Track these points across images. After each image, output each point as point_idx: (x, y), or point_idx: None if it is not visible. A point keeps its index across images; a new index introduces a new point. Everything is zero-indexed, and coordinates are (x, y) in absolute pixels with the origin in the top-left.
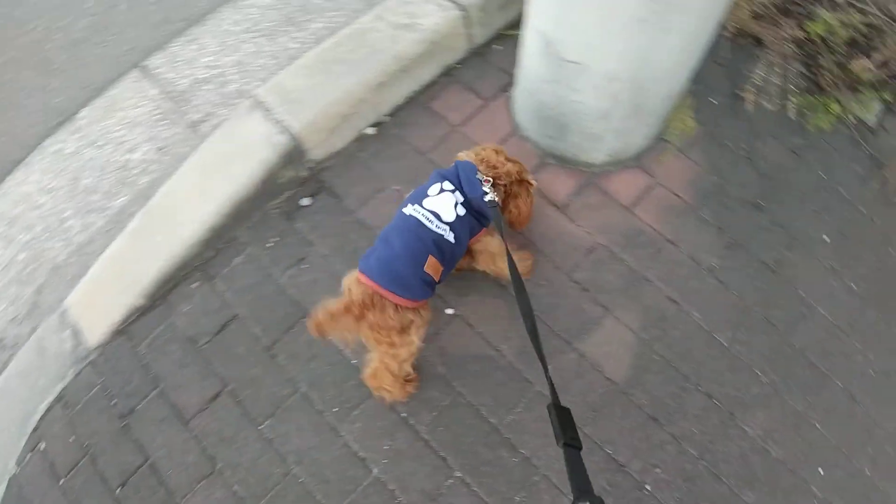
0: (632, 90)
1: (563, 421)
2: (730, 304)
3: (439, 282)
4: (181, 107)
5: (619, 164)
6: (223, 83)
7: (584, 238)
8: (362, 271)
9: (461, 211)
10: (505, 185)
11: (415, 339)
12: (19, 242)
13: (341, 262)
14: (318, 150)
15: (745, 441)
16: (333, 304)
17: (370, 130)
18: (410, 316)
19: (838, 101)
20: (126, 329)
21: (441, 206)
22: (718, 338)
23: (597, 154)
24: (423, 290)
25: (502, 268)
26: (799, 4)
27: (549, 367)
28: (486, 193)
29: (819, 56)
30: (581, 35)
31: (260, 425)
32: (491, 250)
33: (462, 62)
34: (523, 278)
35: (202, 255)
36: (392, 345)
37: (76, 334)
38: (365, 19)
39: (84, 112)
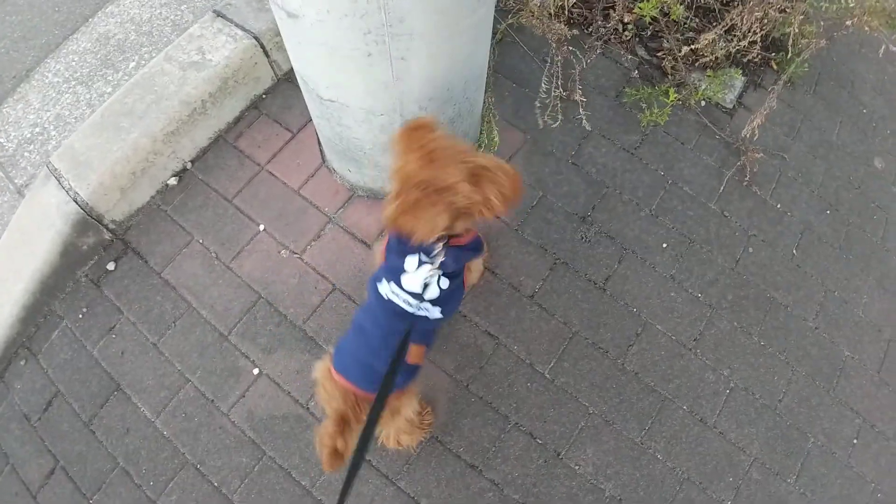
0: (399, 122)
1: None
2: (553, 331)
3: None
4: (10, 172)
5: None
6: (44, 141)
7: None
8: (340, 372)
9: (445, 283)
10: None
11: (409, 413)
12: None
13: (149, 328)
14: (116, 211)
15: (573, 480)
16: (328, 427)
17: (173, 181)
18: (396, 404)
19: (683, 85)
20: None
21: (421, 282)
22: (540, 370)
23: None
24: (406, 378)
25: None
26: None
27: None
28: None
29: (659, 37)
30: (323, 73)
31: (90, 500)
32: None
33: (270, 91)
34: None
35: (25, 332)
36: (387, 424)
37: None
38: (155, 62)
39: None
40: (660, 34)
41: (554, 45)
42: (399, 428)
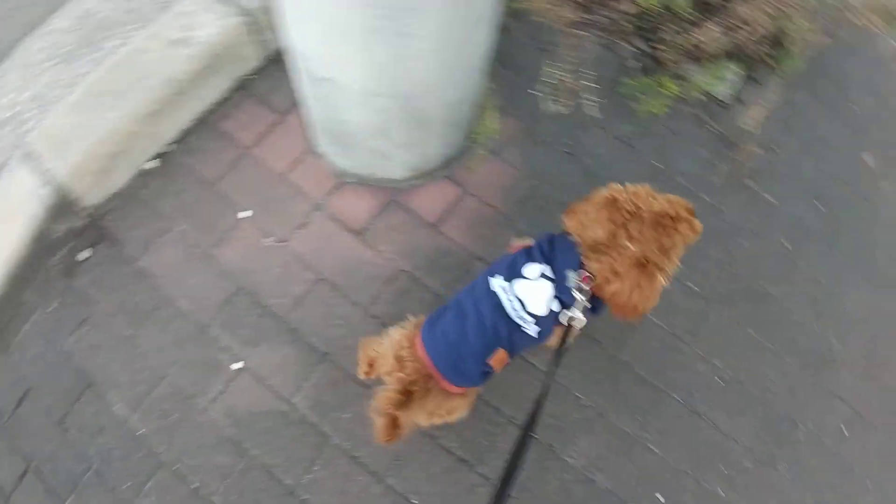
0: (402, 104)
1: None
2: None
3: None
4: None
5: (426, 177)
6: (21, 122)
7: (384, 266)
8: (427, 347)
9: (556, 306)
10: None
11: (455, 418)
12: None
13: (126, 320)
14: (92, 195)
15: (566, 473)
16: (391, 395)
17: (153, 163)
18: (457, 402)
19: (681, 78)
20: None
21: (534, 295)
22: (532, 361)
23: (394, 169)
24: (479, 379)
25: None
26: None
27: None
28: (573, 301)
29: (660, 29)
30: (322, 50)
31: (65, 502)
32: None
33: (259, 72)
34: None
35: None
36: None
37: None
38: (138, 40)
39: None
40: (659, 25)
41: (563, 29)
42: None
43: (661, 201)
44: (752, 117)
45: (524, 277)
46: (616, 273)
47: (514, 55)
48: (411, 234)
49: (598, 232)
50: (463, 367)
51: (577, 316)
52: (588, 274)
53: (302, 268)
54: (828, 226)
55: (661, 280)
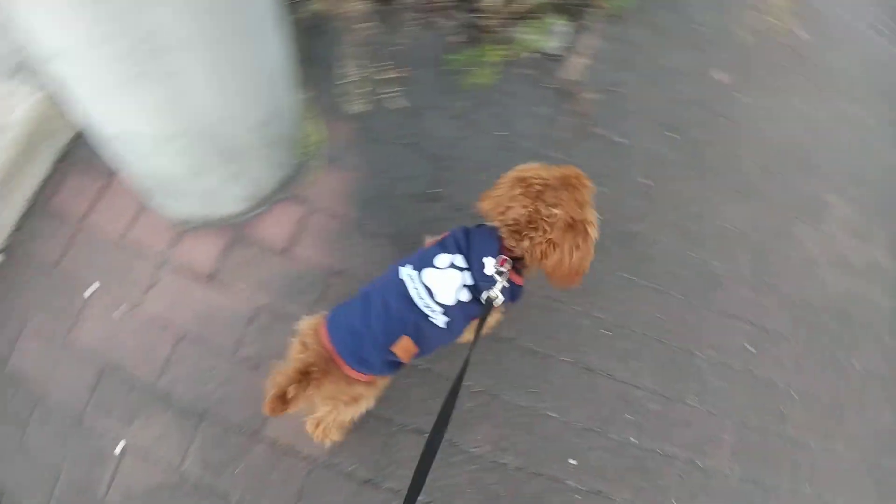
0: (202, 140)
1: None
2: None
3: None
4: None
5: (266, 203)
6: None
7: (242, 306)
8: (329, 331)
9: (465, 296)
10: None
11: (363, 408)
12: None
13: (11, 427)
14: None
15: (473, 463)
16: (287, 371)
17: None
18: (361, 389)
19: (509, 42)
20: None
21: (442, 284)
22: (416, 363)
23: (229, 205)
24: (383, 368)
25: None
26: None
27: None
28: (494, 283)
29: None
30: (101, 106)
31: None
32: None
33: (77, 138)
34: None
35: None
36: (339, 409)
37: None
38: None
39: None
40: None
41: (354, 24)
42: (341, 421)
43: (558, 169)
44: (575, 65)
45: (433, 266)
46: (552, 242)
47: (330, 57)
48: (263, 266)
49: (518, 210)
50: (364, 353)
51: (496, 295)
52: (506, 258)
53: (160, 329)
54: (686, 152)
55: (593, 234)
